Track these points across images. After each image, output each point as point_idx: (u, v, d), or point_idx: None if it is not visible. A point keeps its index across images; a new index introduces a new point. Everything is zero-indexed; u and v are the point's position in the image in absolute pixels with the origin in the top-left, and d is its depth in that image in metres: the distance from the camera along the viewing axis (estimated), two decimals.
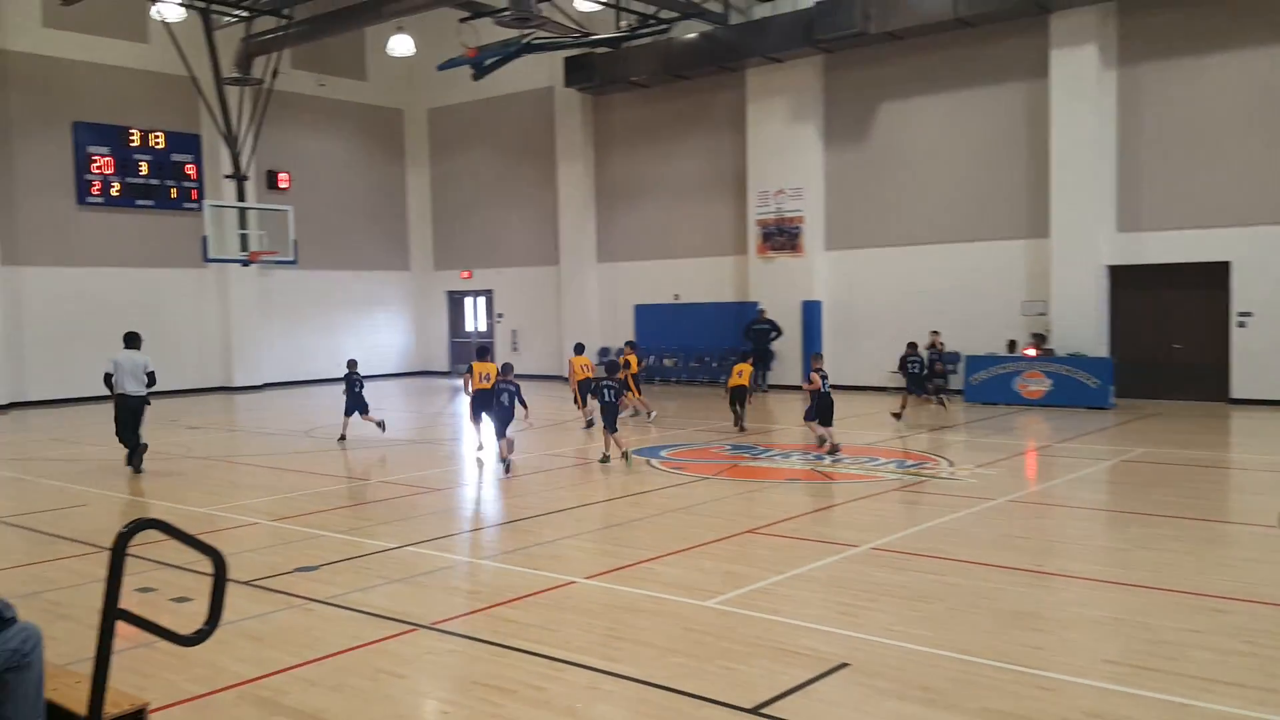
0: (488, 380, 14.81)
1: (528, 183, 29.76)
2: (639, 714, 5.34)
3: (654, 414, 18.71)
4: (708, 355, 26.31)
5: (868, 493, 11.19)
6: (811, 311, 23.99)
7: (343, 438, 16.54)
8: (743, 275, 25.42)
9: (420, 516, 10.68)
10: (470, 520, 10.72)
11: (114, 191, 25.51)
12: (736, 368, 17.16)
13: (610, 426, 13.76)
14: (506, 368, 14.11)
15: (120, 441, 13.98)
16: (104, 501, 11.97)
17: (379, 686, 5.80)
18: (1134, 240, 20.11)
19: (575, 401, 17.93)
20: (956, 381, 21.44)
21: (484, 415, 14.66)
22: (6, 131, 24.20)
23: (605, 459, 13.75)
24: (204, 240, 21.41)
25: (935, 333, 21.55)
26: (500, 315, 30.98)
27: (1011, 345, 20.85)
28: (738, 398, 16.86)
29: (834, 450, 13.92)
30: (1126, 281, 20.38)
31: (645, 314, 27.70)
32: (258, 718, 5.42)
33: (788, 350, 24.25)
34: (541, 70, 28.51)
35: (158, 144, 26.23)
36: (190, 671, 6.08)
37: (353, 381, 16.66)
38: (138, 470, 13.77)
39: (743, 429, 16.67)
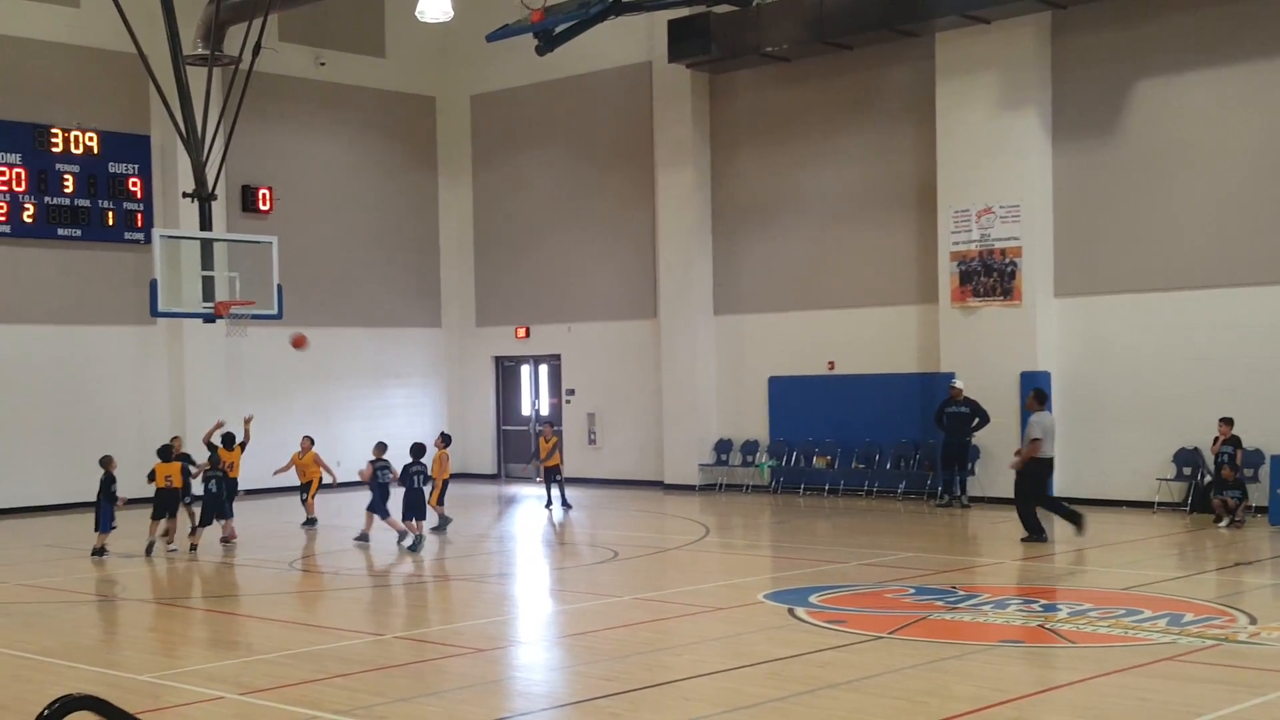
0: (171, 481, 19.58)
1: (613, 200, 30.07)
2: None
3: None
4: (878, 452, 26.06)
5: (1125, 663, 10.97)
6: (1034, 389, 23.63)
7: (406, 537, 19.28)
8: (930, 334, 25.19)
9: (457, 690, 10.68)
10: (528, 696, 10.71)
11: (26, 216, 26.35)
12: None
13: (411, 514, 19.25)
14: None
15: None
16: None
17: None
18: None
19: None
20: (1259, 494, 20.99)
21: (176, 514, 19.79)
22: None
23: (404, 540, 18.94)
24: (152, 285, 21.87)
25: (1227, 421, 21.26)
26: (571, 392, 31.14)
27: None
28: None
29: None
30: None
31: (784, 390, 27.54)
32: None
33: (997, 444, 23.90)
34: (636, 39, 28.88)
35: (89, 148, 27.13)
36: None
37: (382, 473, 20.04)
38: None
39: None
